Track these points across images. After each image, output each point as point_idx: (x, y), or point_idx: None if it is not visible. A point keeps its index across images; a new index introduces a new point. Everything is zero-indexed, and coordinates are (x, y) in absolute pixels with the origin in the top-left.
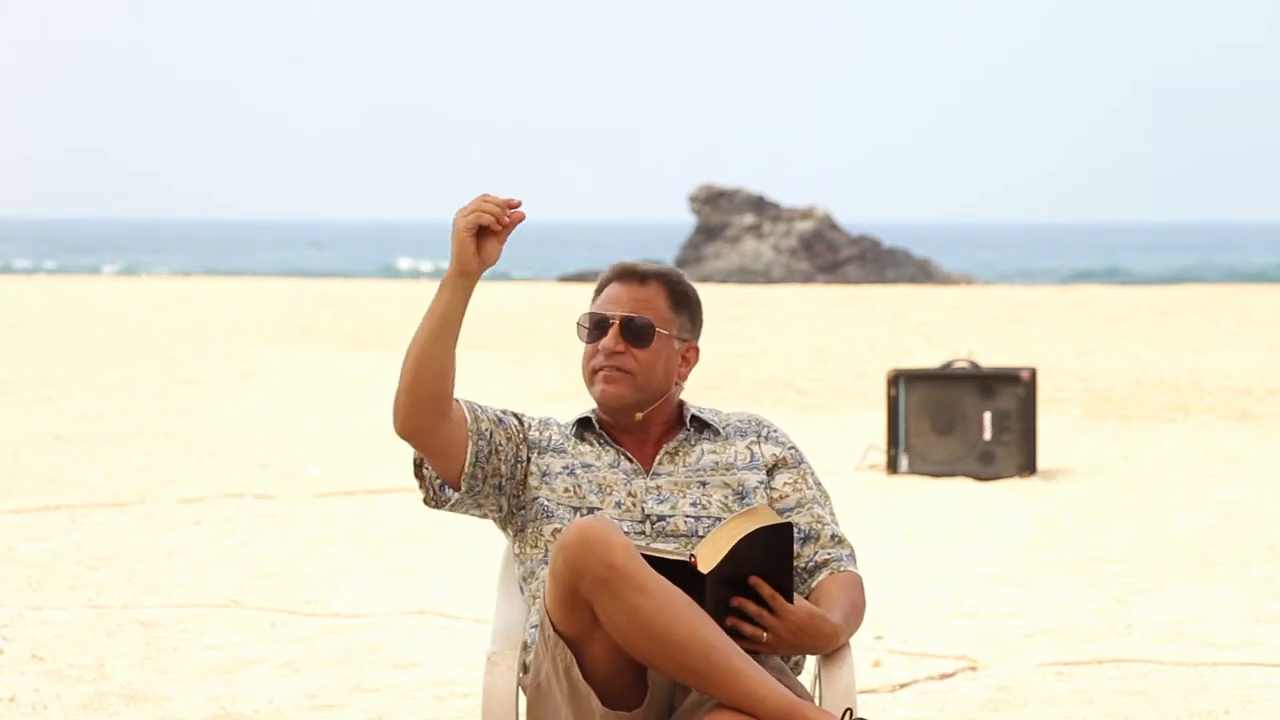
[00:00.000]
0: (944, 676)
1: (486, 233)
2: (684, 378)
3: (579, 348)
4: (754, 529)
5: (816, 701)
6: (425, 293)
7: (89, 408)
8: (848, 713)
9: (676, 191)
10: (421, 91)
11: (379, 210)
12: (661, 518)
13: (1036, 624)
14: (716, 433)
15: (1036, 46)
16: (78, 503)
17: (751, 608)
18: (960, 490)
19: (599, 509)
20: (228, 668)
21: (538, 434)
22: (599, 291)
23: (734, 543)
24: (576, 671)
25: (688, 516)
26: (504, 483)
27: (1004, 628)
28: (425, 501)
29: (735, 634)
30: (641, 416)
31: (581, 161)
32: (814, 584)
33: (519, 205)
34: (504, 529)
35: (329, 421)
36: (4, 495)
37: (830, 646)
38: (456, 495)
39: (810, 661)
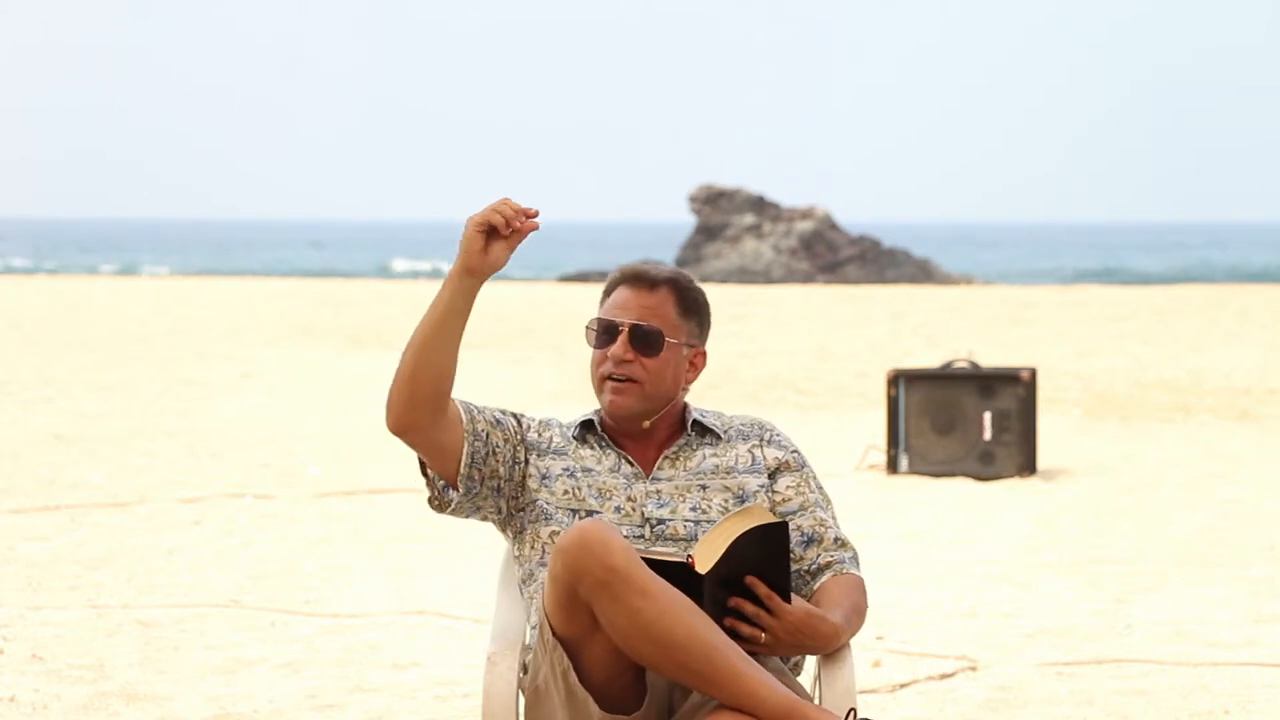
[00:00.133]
0: (944, 676)
1: (496, 235)
2: (691, 383)
3: (579, 347)
4: (749, 528)
5: (816, 702)
6: (425, 293)
7: (89, 408)
8: (851, 713)
9: (676, 191)
10: (421, 91)
11: (379, 210)
12: (661, 521)
13: (1036, 624)
14: (718, 437)
15: (1036, 46)
16: (78, 503)
17: (749, 608)
18: (960, 490)
19: (598, 513)
20: (228, 668)
21: (537, 435)
22: (607, 294)
23: (729, 542)
24: (574, 676)
25: (687, 520)
26: (502, 484)
27: (1004, 628)
28: (430, 502)
29: (733, 634)
30: (649, 424)
31: (581, 161)
32: (816, 586)
33: (536, 215)
34: (503, 531)
35: (329, 421)
36: (4, 495)
37: (830, 647)
38: (457, 497)
39: (810, 662)
